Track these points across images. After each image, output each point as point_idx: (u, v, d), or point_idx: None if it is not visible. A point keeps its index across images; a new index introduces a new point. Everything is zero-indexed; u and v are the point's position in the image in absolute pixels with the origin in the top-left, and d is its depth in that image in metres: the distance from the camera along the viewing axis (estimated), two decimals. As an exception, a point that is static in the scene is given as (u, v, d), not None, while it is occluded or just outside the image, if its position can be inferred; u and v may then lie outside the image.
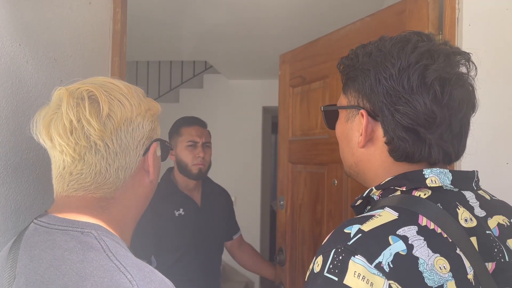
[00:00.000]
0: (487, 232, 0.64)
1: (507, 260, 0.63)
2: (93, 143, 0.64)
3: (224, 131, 4.76)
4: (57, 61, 1.18)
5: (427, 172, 0.66)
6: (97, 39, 1.41)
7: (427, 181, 0.65)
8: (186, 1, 2.54)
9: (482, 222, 0.64)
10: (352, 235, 0.58)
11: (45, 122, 0.66)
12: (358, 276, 0.54)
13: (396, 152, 0.68)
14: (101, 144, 0.64)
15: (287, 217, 2.05)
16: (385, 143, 0.69)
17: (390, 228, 0.58)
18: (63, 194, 0.67)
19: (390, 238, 0.56)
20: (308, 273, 0.62)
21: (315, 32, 2.19)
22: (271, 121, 5.73)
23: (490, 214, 0.67)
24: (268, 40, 3.29)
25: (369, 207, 0.71)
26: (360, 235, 0.57)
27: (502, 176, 1.19)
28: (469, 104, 0.70)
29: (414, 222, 0.59)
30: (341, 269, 0.55)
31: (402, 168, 0.69)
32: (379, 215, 0.60)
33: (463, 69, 0.68)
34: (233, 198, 4.87)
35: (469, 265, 0.58)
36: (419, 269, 0.54)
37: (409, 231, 0.57)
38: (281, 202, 2.09)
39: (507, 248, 0.64)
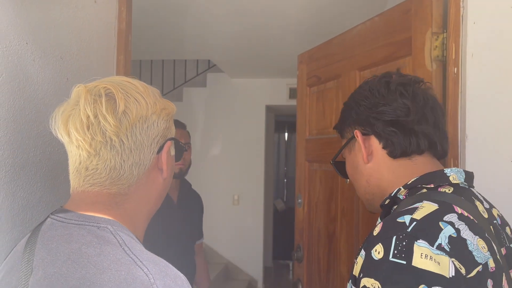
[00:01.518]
0: (494, 221, 0.74)
1: (509, 245, 0.74)
2: (109, 138, 0.65)
3: (227, 129, 4.76)
4: (63, 59, 1.19)
5: (447, 171, 0.76)
6: (102, 38, 1.42)
7: (450, 178, 0.75)
8: (189, 0, 2.54)
9: (490, 213, 0.75)
10: (408, 223, 0.64)
11: (63, 117, 0.67)
12: (426, 257, 0.59)
13: (394, 150, 0.81)
14: (116, 140, 0.66)
15: (305, 215, 2.07)
16: (383, 148, 0.82)
17: (437, 216, 0.65)
18: (79, 189, 0.68)
19: (440, 223, 0.64)
20: (361, 262, 0.67)
21: (321, 33, 2.19)
22: (274, 119, 5.73)
23: (491, 207, 0.78)
24: (271, 39, 3.29)
25: (396, 206, 0.78)
26: (415, 223, 0.64)
27: (506, 174, 1.19)
28: (432, 98, 0.85)
29: (453, 210, 0.67)
30: (407, 253, 0.60)
31: (405, 164, 0.81)
32: (422, 207, 0.67)
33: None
34: (236, 197, 4.92)
35: (495, 248, 0.68)
36: (469, 248, 0.63)
37: (452, 217, 0.65)
38: (299, 200, 2.12)
39: (506, 235, 0.76)
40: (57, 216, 0.67)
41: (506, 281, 0.67)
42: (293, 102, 4.51)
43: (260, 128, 4.81)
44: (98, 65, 1.40)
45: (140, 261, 0.59)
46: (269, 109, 5.06)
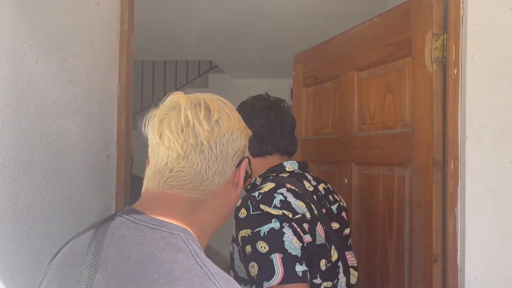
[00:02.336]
0: (318, 193, 1.19)
1: (329, 207, 1.19)
2: (200, 142, 0.68)
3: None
4: (66, 60, 1.21)
5: (285, 163, 1.21)
6: (105, 39, 1.43)
7: (286, 168, 1.20)
8: (191, 0, 2.55)
9: (316, 188, 1.20)
10: (257, 196, 1.06)
11: (157, 119, 0.70)
12: (273, 210, 1.03)
13: (252, 152, 1.20)
14: (206, 145, 0.69)
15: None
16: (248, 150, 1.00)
17: (274, 190, 1.08)
18: (157, 190, 0.69)
19: (274, 194, 1.07)
20: (235, 223, 1.06)
21: (322, 33, 2.20)
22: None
23: (318, 184, 1.22)
24: (273, 40, 3.30)
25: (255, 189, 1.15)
26: (261, 195, 1.06)
27: (506, 175, 1.20)
28: (286, 116, 1.24)
29: (284, 186, 1.10)
30: (259, 208, 1.03)
31: (260, 161, 1.22)
32: (266, 185, 1.10)
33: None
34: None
35: (313, 207, 1.10)
36: (292, 206, 1.05)
37: (283, 190, 1.08)
38: None
39: (329, 200, 1.21)
40: (129, 216, 0.66)
41: (321, 227, 1.10)
42: (295, 103, 4.51)
43: (261, 128, 4.80)
44: (101, 66, 1.41)
45: (212, 275, 0.59)
46: (271, 109, 5.08)
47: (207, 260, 0.62)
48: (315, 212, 1.09)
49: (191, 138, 0.68)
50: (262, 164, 1.21)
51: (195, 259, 0.60)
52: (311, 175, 1.24)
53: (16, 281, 1.01)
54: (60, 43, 1.18)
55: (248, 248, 0.99)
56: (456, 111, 1.25)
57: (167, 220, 0.65)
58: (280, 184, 1.10)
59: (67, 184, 1.22)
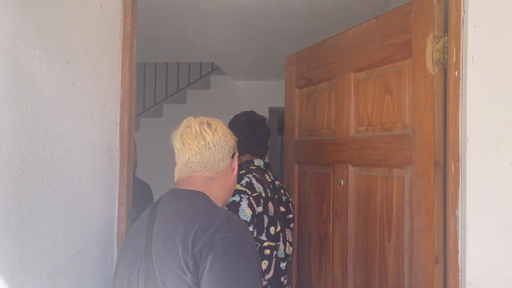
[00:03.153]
0: (275, 185, 1.70)
1: (280, 195, 1.69)
2: (207, 142, 1.12)
3: (230, 131, 4.77)
4: (70, 63, 1.22)
5: (255, 160, 1.74)
6: (108, 42, 1.45)
7: (255, 163, 1.73)
8: (193, 3, 2.56)
9: (273, 181, 1.70)
10: None
11: (179, 134, 1.14)
12: (240, 187, 1.57)
13: (241, 152, 1.71)
14: (211, 144, 1.13)
15: (294, 217, 2.07)
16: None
17: (243, 174, 1.61)
18: (185, 176, 1.13)
19: (244, 177, 1.60)
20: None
21: (323, 34, 2.21)
22: (277, 121, 5.74)
23: (275, 180, 1.73)
24: (275, 42, 3.31)
25: None
26: (235, 177, 1.30)
27: (507, 176, 1.20)
28: (255, 130, 1.76)
29: (251, 173, 1.64)
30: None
31: (241, 156, 1.67)
32: (241, 172, 1.61)
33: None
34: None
35: (268, 191, 1.63)
36: (254, 187, 1.58)
37: (250, 176, 1.62)
38: None
39: (282, 193, 1.73)
40: (170, 192, 1.12)
41: (272, 205, 1.61)
42: (296, 104, 4.50)
43: (263, 130, 4.81)
44: (104, 69, 1.42)
45: (220, 210, 1.04)
46: (272, 111, 5.08)
47: (218, 206, 1.08)
48: (269, 194, 1.63)
49: (202, 141, 1.12)
50: (242, 159, 1.74)
51: (210, 204, 1.07)
52: (271, 174, 1.76)
53: (20, 280, 1.02)
54: (64, 46, 1.19)
55: None
56: (457, 113, 1.25)
57: (194, 189, 1.10)
58: (248, 172, 1.64)
59: (70, 185, 1.23)
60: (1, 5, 0.96)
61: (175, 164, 1.15)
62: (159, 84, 5.39)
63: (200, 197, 1.07)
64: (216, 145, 1.12)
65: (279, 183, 1.75)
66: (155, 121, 5.02)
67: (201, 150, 1.11)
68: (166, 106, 5.12)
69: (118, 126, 1.52)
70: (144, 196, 2.26)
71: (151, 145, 4.45)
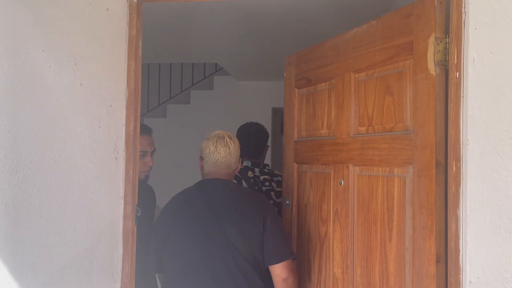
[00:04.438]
0: (257, 179, 2.28)
1: (260, 187, 2.27)
2: (230, 150, 1.69)
3: (234, 132, 4.78)
4: (77, 65, 1.24)
5: (244, 162, 2.26)
6: (114, 44, 1.47)
7: (244, 164, 2.27)
8: (196, 4, 2.59)
9: (257, 176, 2.29)
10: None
11: (213, 141, 1.68)
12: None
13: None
14: (232, 152, 1.69)
15: (293, 217, 2.09)
16: None
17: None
18: (214, 170, 1.68)
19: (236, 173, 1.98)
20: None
21: (326, 35, 2.22)
22: (280, 122, 5.75)
23: (261, 175, 2.30)
24: (277, 42, 3.33)
25: None
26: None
27: (507, 176, 1.21)
28: (259, 135, 2.43)
29: (237, 172, 1.92)
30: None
31: (240, 159, 1.93)
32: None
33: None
34: None
35: (245, 183, 2.22)
36: (235, 178, 2.05)
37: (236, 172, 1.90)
38: (287, 202, 2.13)
39: (263, 184, 2.28)
40: (207, 180, 1.69)
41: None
42: (300, 105, 4.52)
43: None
44: (110, 70, 1.44)
45: (251, 191, 1.75)
46: (275, 111, 5.10)
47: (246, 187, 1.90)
48: (246, 185, 2.18)
49: (227, 149, 1.67)
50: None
51: (239, 186, 1.78)
52: (258, 170, 2.28)
53: (28, 278, 1.04)
54: (72, 48, 1.22)
55: None
56: (458, 113, 1.27)
57: (222, 178, 1.67)
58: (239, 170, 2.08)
59: (77, 185, 1.25)
60: (11, 8, 0.98)
61: (200, 157, 1.72)
62: (163, 84, 5.42)
63: (231, 183, 1.71)
64: (234, 153, 1.69)
65: (266, 177, 2.28)
66: (159, 121, 5.06)
67: (226, 155, 1.67)
68: (170, 106, 5.15)
69: (124, 127, 1.55)
70: (146, 197, 2.28)
71: (155, 145, 4.48)
